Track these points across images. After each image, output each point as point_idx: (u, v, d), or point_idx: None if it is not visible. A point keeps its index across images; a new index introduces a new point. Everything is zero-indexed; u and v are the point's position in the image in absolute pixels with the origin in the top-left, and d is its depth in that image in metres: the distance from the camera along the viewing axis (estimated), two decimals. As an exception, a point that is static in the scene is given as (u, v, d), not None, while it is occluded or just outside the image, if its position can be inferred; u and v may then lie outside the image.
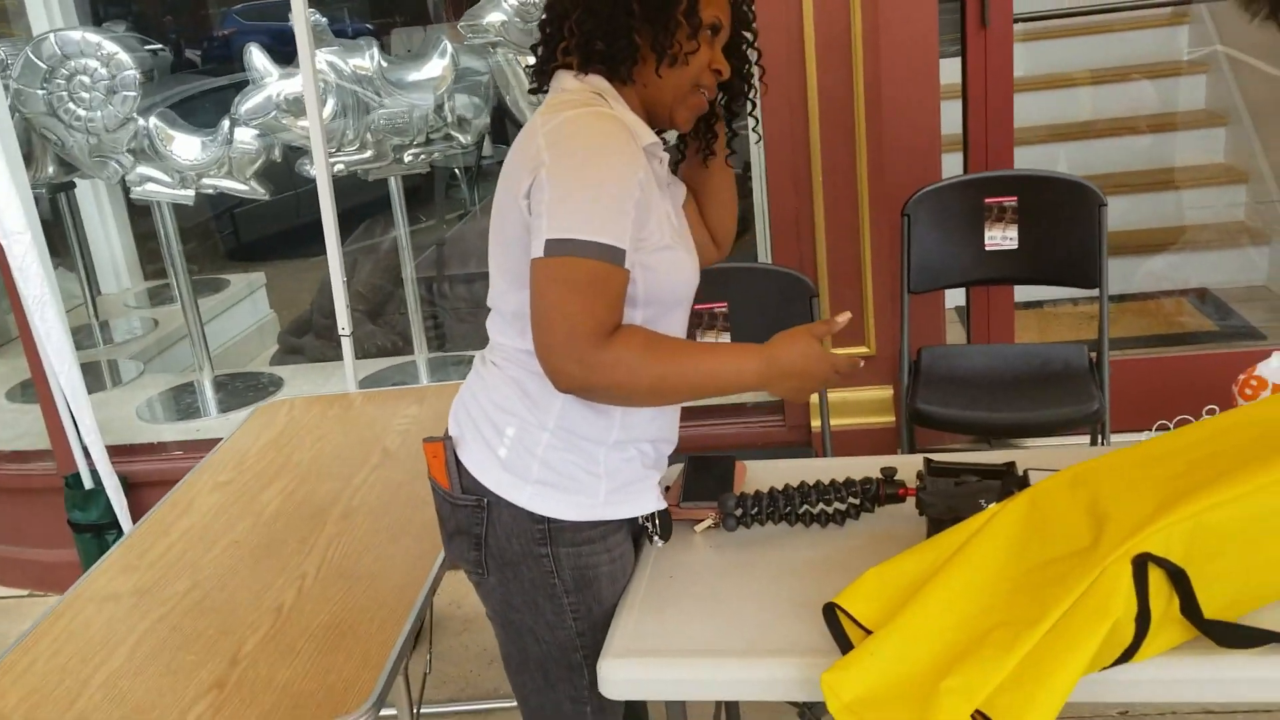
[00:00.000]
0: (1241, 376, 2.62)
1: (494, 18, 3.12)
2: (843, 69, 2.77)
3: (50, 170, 3.62)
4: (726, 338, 2.58)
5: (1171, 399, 2.91)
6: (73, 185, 4.17)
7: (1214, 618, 1.23)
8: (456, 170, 4.53)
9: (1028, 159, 4.22)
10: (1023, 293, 3.46)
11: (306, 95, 2.53)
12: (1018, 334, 3.63)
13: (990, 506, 1.38)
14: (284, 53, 3.19)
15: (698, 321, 2.55)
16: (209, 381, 3.73)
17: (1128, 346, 3.78)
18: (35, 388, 3.32)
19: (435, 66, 3.21)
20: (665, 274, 1.42)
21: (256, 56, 3.14)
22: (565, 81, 1.43)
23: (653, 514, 1.56)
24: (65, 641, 1.68)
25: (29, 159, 3.43)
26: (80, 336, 4.00)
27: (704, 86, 1.45)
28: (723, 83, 1.49)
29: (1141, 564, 1.19)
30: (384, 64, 3.18)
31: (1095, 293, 2.65)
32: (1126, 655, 1.22)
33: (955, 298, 3.22)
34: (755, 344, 1.39)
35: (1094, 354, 2.66)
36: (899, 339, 2.77)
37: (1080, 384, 2.58)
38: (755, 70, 1.54)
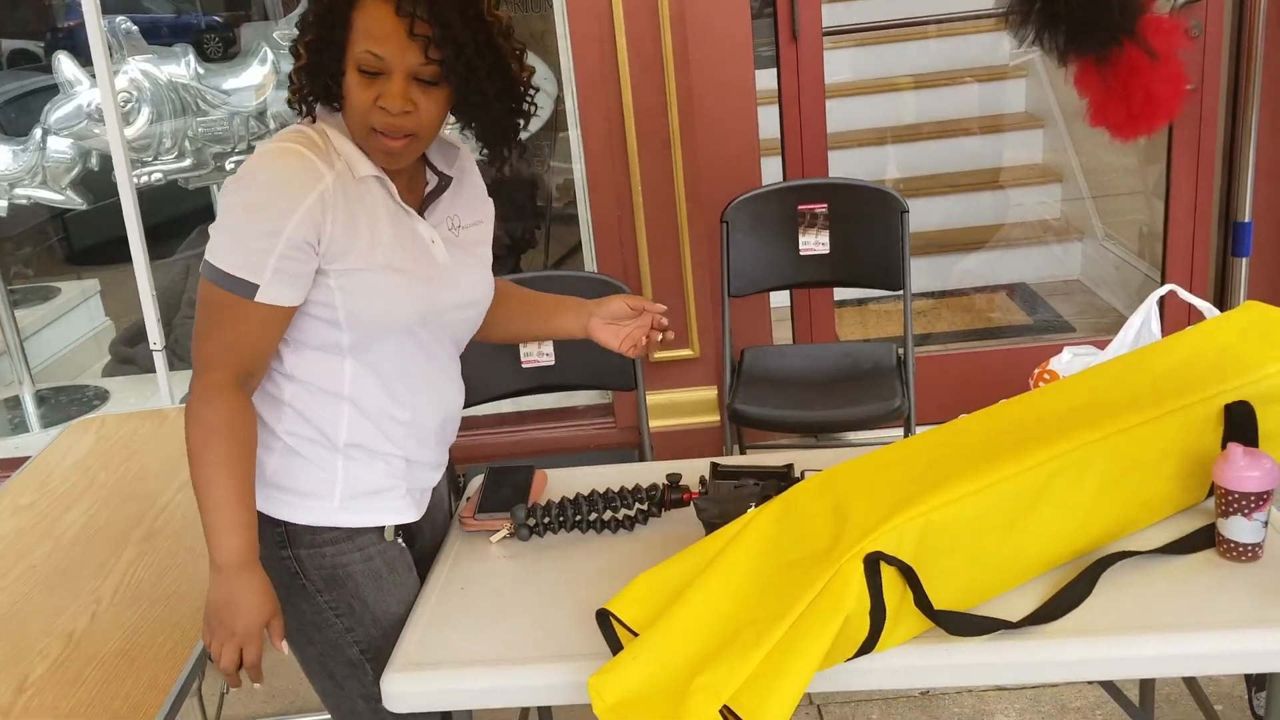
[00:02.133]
0: (1036, 370, 2.78)
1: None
2: (656, 84, 2.85)
3: None
4: (549, 343, 2.62)
5: (978, 392, 3.06)
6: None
7: (946, 609, 1.33)
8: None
9: (859, 161, 4.38)
10: (849, 290, 3.58)
11: (105, 106, 2.48)
12: (845, 330, 3.77)
13: (751, 510, 1.46)
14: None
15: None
16: (30, 396, 3.62)
17: (949, 341, 3.96)
18: None
19: (255, 73, 3.18)
20: (367, 298, 1.40)
21: (65, 65, 3.05)
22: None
23: (399, 525, 1.55)
24: None
25: None
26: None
27: (378, 129, 1.35)
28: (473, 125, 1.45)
29: (873, 562, 1.28)
30: (201, 71, 3.13)
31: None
32: (867, 647, 1.31)
33: (783, 298, 3.33)
34: (255, 552, 1.37)
35: (901, 351, 2.80)
36: (722, 341, 2.86)
37: (887, 382, 2.71)
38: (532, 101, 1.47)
